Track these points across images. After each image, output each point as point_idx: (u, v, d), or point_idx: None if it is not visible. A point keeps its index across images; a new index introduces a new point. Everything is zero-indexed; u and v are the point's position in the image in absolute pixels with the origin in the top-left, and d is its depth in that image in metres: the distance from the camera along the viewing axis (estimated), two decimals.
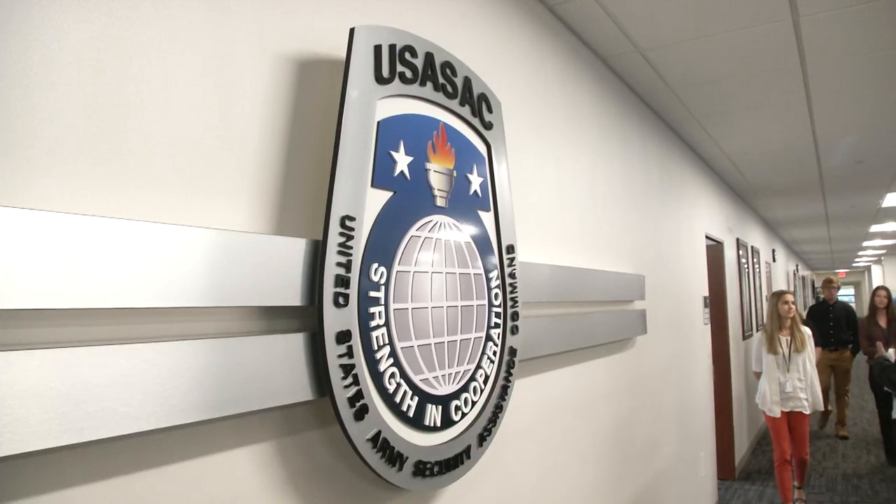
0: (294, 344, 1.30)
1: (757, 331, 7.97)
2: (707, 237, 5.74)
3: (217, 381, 1.14)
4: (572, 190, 2.82)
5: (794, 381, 4.94)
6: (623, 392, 3.28)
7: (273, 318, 1.32)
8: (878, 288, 6.83)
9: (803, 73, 3.60)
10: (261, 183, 1.33)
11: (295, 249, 1.31)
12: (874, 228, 12.68)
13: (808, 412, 4.99)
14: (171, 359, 1.07)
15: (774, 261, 11.83)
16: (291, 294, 1.30)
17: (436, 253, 1.62)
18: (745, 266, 7.87)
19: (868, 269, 27.48)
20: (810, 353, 5.03)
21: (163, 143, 1.16)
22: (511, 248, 1.93)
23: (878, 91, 4.05)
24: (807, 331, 5.10)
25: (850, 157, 6.01)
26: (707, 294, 5.55)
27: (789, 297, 5.10)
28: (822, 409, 5.28)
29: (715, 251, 6.22)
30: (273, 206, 1.35)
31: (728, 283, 6.43)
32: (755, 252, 8.92)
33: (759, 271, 9.36)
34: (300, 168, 1.42)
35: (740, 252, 7.52)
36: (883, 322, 6.57)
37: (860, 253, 21.23)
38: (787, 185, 7.52)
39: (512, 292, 1.92)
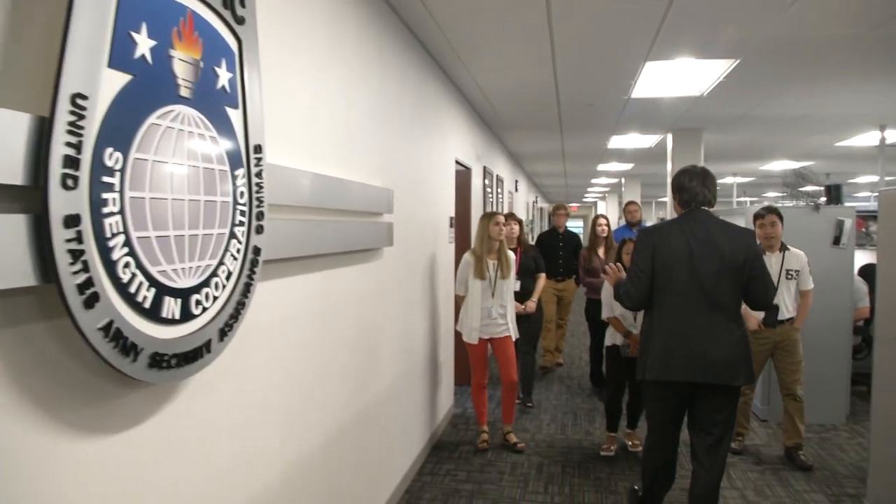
0: (13, 224, 1.21)
1: None
2: (457, 162, 6.09)
3: None
4: (328, 101, 2.85)
5: (497, 307, 4.88)
6: (370, 299, 3.46)
7: None
8: (598, 216, 6.67)
9: (548, 13, 3.91)
10: None
11: (15, 124, 1.21)
12: (601, 167, 14.29)
13: (508, 334, 4.94)
14: None
15: (517, 191, 12.87)
16: (11, 172, 1.20)
17: (178, 144, 1.58)
18: (490, 193, 8.45)
19: (595, 204, 30.89)
20: (512, 280, 4.99)
21: None
22: (259, 149, 1.94)
23: (611, 40, 4.52)
24: (511, 256, 5.03)
25: (585, 99, 6.68)
26: (453, 215, 5.93)
27: (500, 218, 4.94)
28: (518, 336, 5.08)
29: (463, 176, 6.62)
30: None
31: (473, 207, 6.90)
32: (500, 181, 9.62)
33: (503, 199, 10.14)
34: (26, 39, 1.29)
35: (486, 180, 8.06)
36: (602, 253, 6.40)
37: (589, 189, 23.84)
38: (531, 121, 8.16)
39: (258, 192, 1.93)
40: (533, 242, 7.37)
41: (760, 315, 4.55)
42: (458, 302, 5.09)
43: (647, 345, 3.25)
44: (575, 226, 37.28)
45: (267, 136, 2.13)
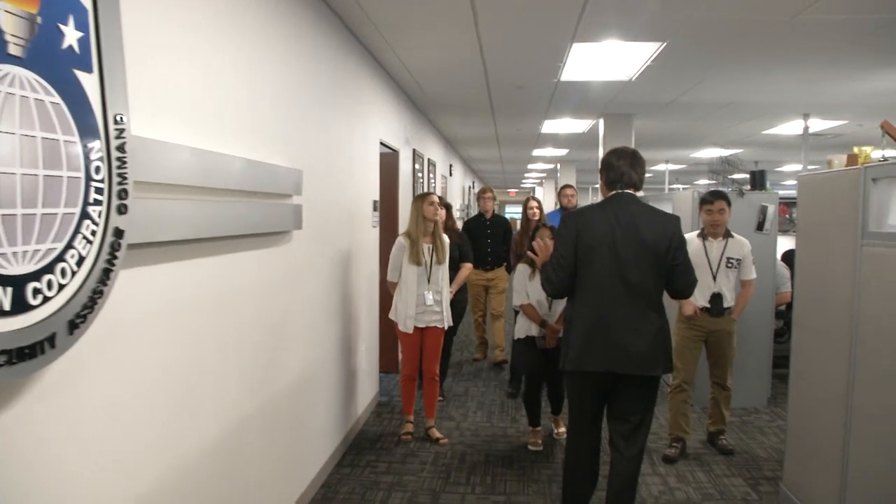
0: None
1: None
2: (382, 144, 5.89)
3: None
4: (224, 74, 2.63)
5: (433, 294, 4.69)
6: (277, 285, 3.27)
7: None
8: (528, 199, 6.23)
9: None
10: None
11: None
12: (536, 153, 14.26)
13: (442, 326, 4.77)
14: None
15: (451, 175, 12.73)
16: None
17: (6, 109, 1.36)
18: (421, 177, 8.27)
19: (533, 189, 30.99)
20: (447, 265, 4.78)
21: None
22: (121, 119, 1.72)
23: (536, 18, 4.39)
24: (447, 239, 4.84)
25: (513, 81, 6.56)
26: (378, 198, 5.73)
27: (434, 198, 4.74)
28: (452, 324, 4.95)
29: (390, 159, 6.42)
30: None
31: (401, 191, 6.71)
32: (432, 165, 9.46)
33: (435, 183, 9.98)
34: None
35: (417, 164, 7.88)
36: None
37: (527, 175, 23.89)
38: (461, 103, 8.01)
39: (121, 167, 1.72)
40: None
41: (699, 301, 4.47)
42: (391, 289, 4.81)
43: (569, 334, 3.16)
44: (514, 212, 37.51)
45: (144, 107, 1.94)
